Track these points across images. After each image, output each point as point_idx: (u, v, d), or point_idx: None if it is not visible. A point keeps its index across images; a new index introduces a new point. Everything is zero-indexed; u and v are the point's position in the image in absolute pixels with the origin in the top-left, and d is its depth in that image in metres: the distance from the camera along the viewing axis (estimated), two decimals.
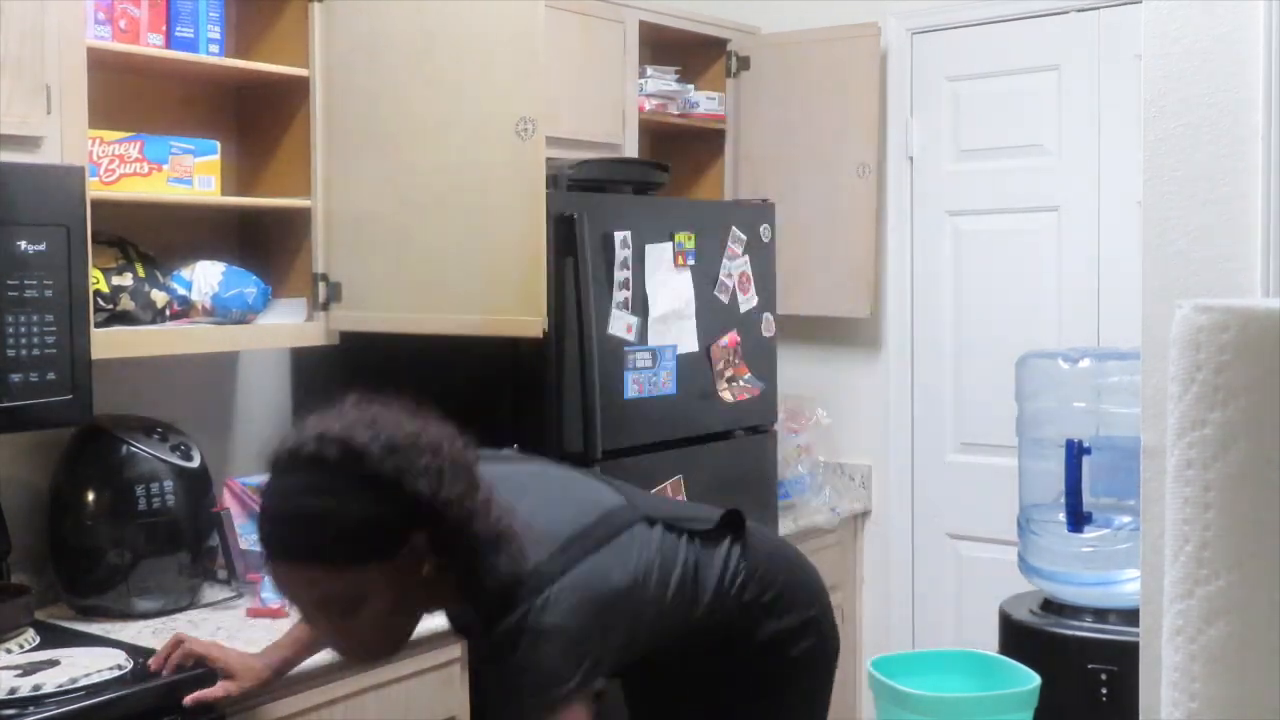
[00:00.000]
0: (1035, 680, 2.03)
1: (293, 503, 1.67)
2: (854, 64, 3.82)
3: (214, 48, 2.71)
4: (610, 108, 3.53)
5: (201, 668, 2.16)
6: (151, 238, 2.72)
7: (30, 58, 2.26)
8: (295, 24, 2.84)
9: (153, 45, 2.61)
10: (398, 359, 3.02)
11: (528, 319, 2.59)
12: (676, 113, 3.83)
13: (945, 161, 3.86)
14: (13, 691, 2.02)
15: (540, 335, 2.61)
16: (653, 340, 3.03)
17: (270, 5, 2.87)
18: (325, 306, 2.86)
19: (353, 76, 2.81)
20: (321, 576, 1.65)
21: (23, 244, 2.22)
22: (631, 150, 3.58)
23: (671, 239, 3.09)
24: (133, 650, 2.26)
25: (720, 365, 3.24)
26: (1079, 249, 3.64)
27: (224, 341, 2.79)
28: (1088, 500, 2.72)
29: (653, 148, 3.89)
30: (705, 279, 3.19)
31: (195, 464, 2.65)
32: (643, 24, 3.62)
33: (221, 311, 2.72)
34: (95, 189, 2.42)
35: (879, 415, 4.00)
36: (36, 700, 2.01)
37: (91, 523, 2.55)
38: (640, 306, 2.99)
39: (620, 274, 2.94)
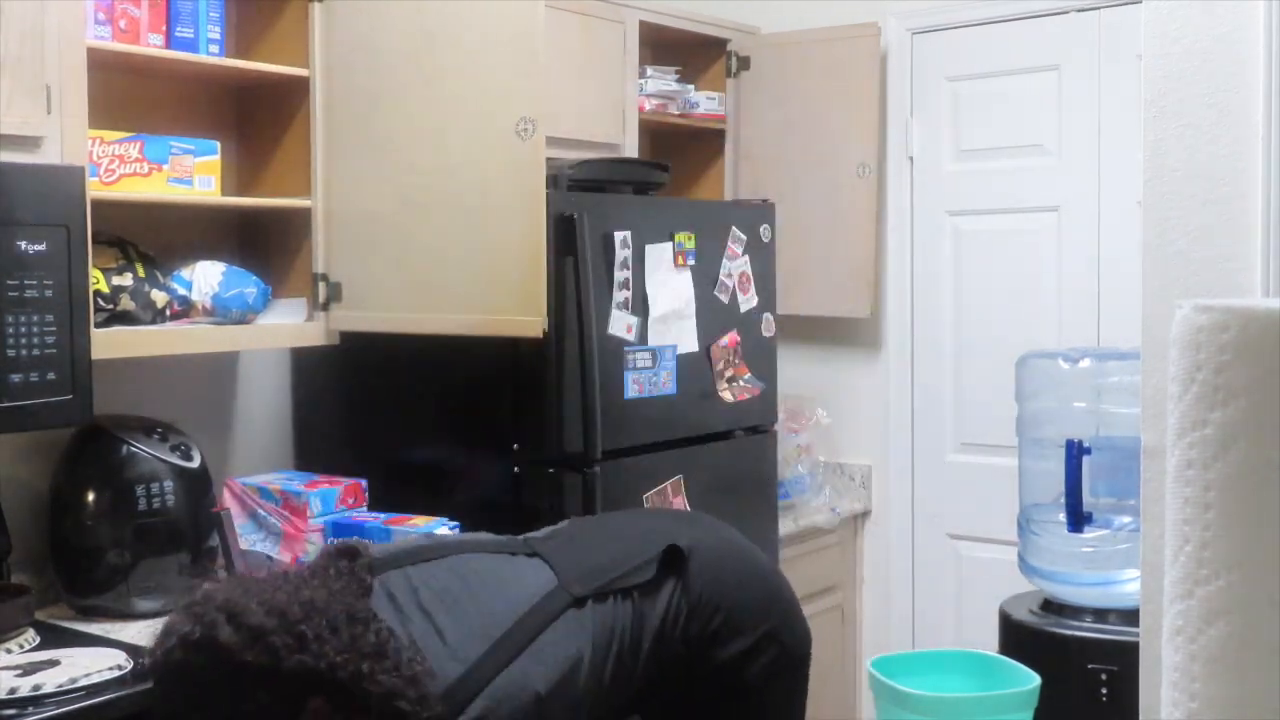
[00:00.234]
0: (1035, 680, 2.03)
1: (183, 717, 1.67)
2: (854, 64, 3.82)
3: (214, 48, 2.71)
4: (610, 108, 3.53)
5: None
6: (151, 238, 2.72)
7: (30, 58, 2.26)
8: (295, 24, 2.84)
9: (153, 45, 2.61)
10: (398, 359, 3.02)
11: (528, 319, 2.59)
12: (676, 113, 3.83)
13: (945, 161, 3.86)
14: (13, 691, 2.02)
15: (540, 335, 2.61)
16: (653, 340, 3.03)
17: (270, 5, 2.87)
18: (325, 306, 2.86)
19: (353, 76, 2.81)
20: None
21: (23, 244, 2.22)
22: (631, 150, 3.58)
23: (671, 239, 3.09)
24: (133, 650, 2.26)
25: (720, 365, 3.24)
26: (1079, 249, 3.64)
27: (224, 341, 2.79)
28: (1088, 500, 2.72)
29: (653, 148, 3.89)
30: (705, 279, 3.19)
31: (195, 464, 2.65)
32: (643, 24, 3.62)
33: (221, 311, 2.72)
34: (95, 189, 2.42)
35: (879, 415, 4.00)
36: (36, 700, 2.01)
37: (91, 523, 2.55)
38: (640, 306, 2.99)
39: (620, 274, 2.94)
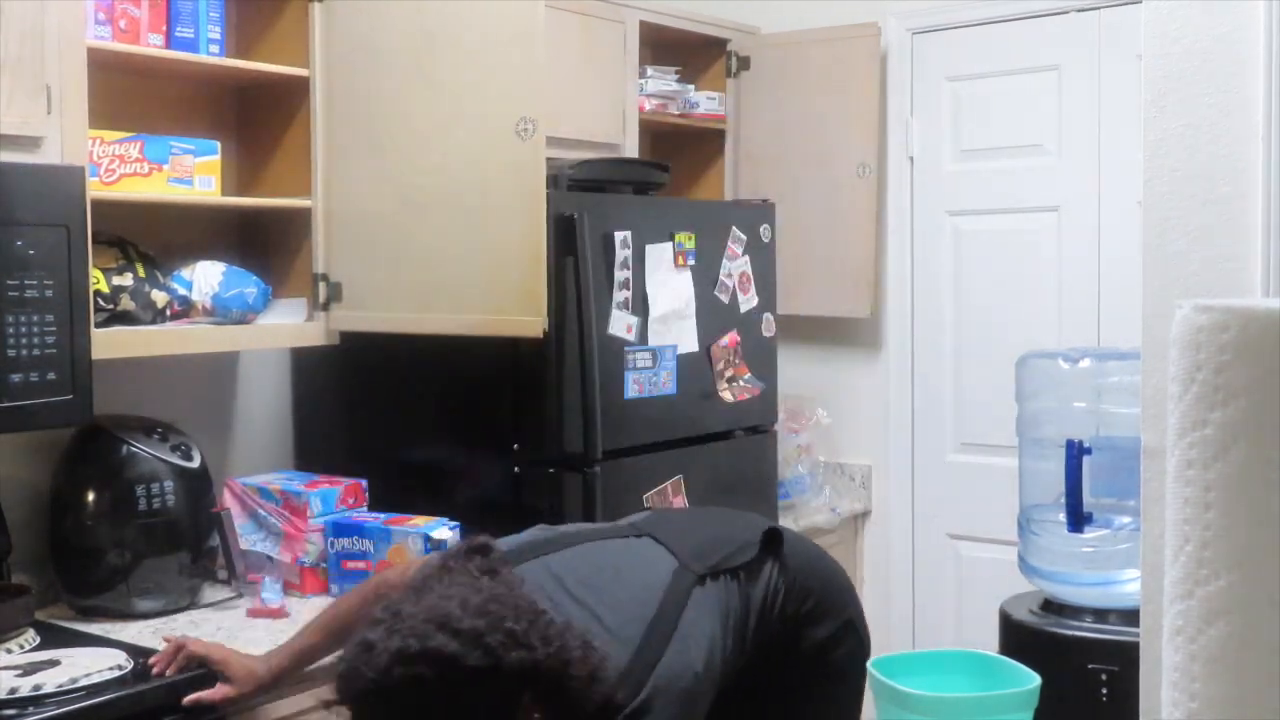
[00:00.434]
0: (1035, 680, 2.03)
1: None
2: (854, 64, 3.82)
3: (214, 48, 2.71)
4: (610, 108, 3.53)
5: (202, 668, 2.16)
6: (151, 238, 2.72)
7: (30, 58, 2.26)
8: (295, 24, 2.84)
9: (153, 45, 2.61)
10: (398, 359, 3.02)
11: (528, 319, 2.59)
12: (677, 113, 3.83)
13: (945, 161, 3.86)
14: (13, 691, 2.02)
15: (540, 335, 2.61)
16: (653, 340, 3.03)
17: (270, 5, 2.87)
18: (325, 306, 2.86)
19: (353, 76, 2.81)
20: None
21: (23, 244, 2.22)
22: (632, 150, 3.58)
23: (672, 239, 3.09)
24: (133, 650, 2.26)
25: (720, 365, 3.24)
26: (1079, 249, 3.64)
27: (224, 342, 2.79)
28: (1088, 500, 2.72)
29: (653, 148, 3.89)
30: (705, 279, 3.19)
31: (195, 464, 2.65)
32: (643, 24, 3.62)
33: (222, 311, 2.72)
34: (95, 189, 2.42)
35: (879, 415, 4.00)
36: (36, 700, 2.01)
37: (92, 523, 2.55)
38: (640, 306, 2.99)
39: (620, 274, 2.94)
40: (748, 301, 3.33)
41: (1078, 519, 2.72)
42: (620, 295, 2.94)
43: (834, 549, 3.89)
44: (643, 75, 3.67)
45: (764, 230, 3.39)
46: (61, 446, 2.60)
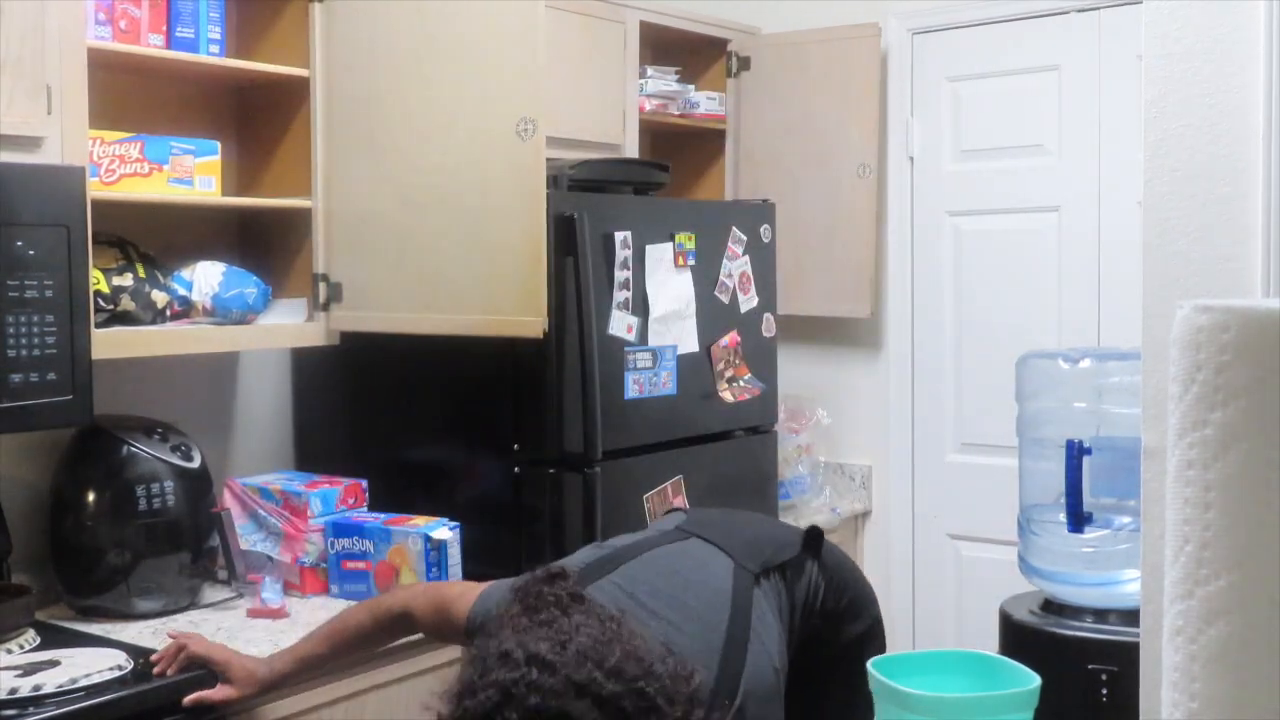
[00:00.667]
0: (1035, 680, 2.03)
1: None
2: (854, 64, 3.82)
3: (214, 48, 2.71)
4: (610, 108, 3.53)
5: (203, 669, 2.16)
6: (152, 238, 2.72)
7: (31, 58, 2.26)
8: (295, 24, 2.84)
9: (153, 45, 2.61)
10: (398, 359, 3.02)
11: (528, 319, 2.59)
12: (677, 113, 3.83)
13: (945, 161, 3.86)
14: (13, 691, 2.02)
15: (540, 335, 2.61)
16: (653, 340, 3.03)
17: (270, 5, 2.87)
18: (325, 307, 2.86)
19: (353, 76, 2.81)
20: None
21: (23, 244, 2.22)
22: (632, 150, 3.58)
23: (672, 239, 3.09)
24: (133, 650, 2.26)
25: (720, 365, 3.24)
26: (1079, 249, 3.64)
27: (224, 342, 2.79)
28: (1088, 500, 2.72)
29: (653, 148, 3.89)
30: (705, 279, 3.19)
31: (195, 464, 2.65)
32: (643, 24, 3.62)
33: (222, 312, 2.72)
34: (95, 189, 2.42)
35: (879, 415, 4.00)
36: (36, 700, 2.01)
37: (92, 523, 2.55)
38: (640, 307, 2.99)
39: (620, 274, 2.94)
40: (748, 301, 3.33)
41: (1078, 519, 2.72)
42: (620, 295, 2.94)
43: None
44: (643, 75, 3.67)
45: (764, 230, 3.39)
46: (61, 446, 2.60)
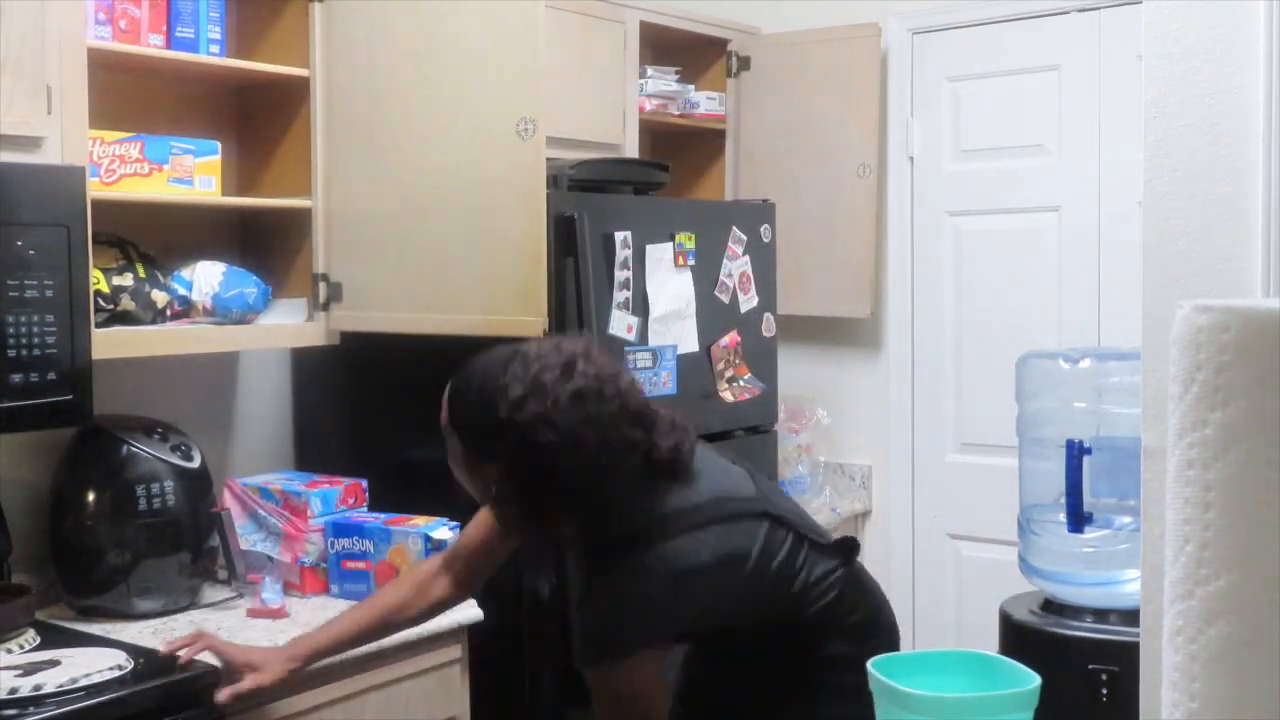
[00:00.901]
0: (1035, 680, 2.03)
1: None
2: (854, 64, 3.82)
3: (214, 48, 2.71)
4: (610, 108, 3.53)
5: (207, 671, 2.17)
6: (152, 238, 2.72)
7: (31, 58, 2.26)
8: (295, 24, 2.84)
9: (153, 45, 2.61)
10: (398, 359, 3.02)
11: (528, 319, 2.59)
12: (677, 113, 3.83)
13: (945, 161, 3.86)
14: (13, 691, 2.02)
15: (540, 335, 2.61)
16: (653, 340, 3.03)
17: (270, 5, 2.87)
18: (325, 306, 2.86)
19: (353, 76, 2.81)
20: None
21: (23, 244, 2.22)
22: (632, 150, 3.58)
23: (672, 239, 3.09)
24: (133, 650, 2.26)
25: (721, 365, 3.24)
26: (1079, 249, 3.64)
27: (224, 342, 2.79)
28: (1088, 500, 2.72)
29: (653, 148, 3.89)
30: (706, 279, 3.19)
31: (195, 464, 2.65)
32: (643, 24, 3.62)
33: (222, 312, 2.72)
34: (96, 189, 2.42)
35: (879, 415, 4.00)
36: (37, 700, 2.01)
37: (92, 523, 2.55)
38: (640, 306, 2.99)
39: (620, 274, 2.94)
40: (748, 301, 3.33)
41: (1078, 519, 2.72)
42: (620, 295, 2.94)
43: None
44: (643, 75, 3.67)
45: (764, 230, 3.39)
46: (61, 446, 2.60)
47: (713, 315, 3.21)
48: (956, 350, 3.87)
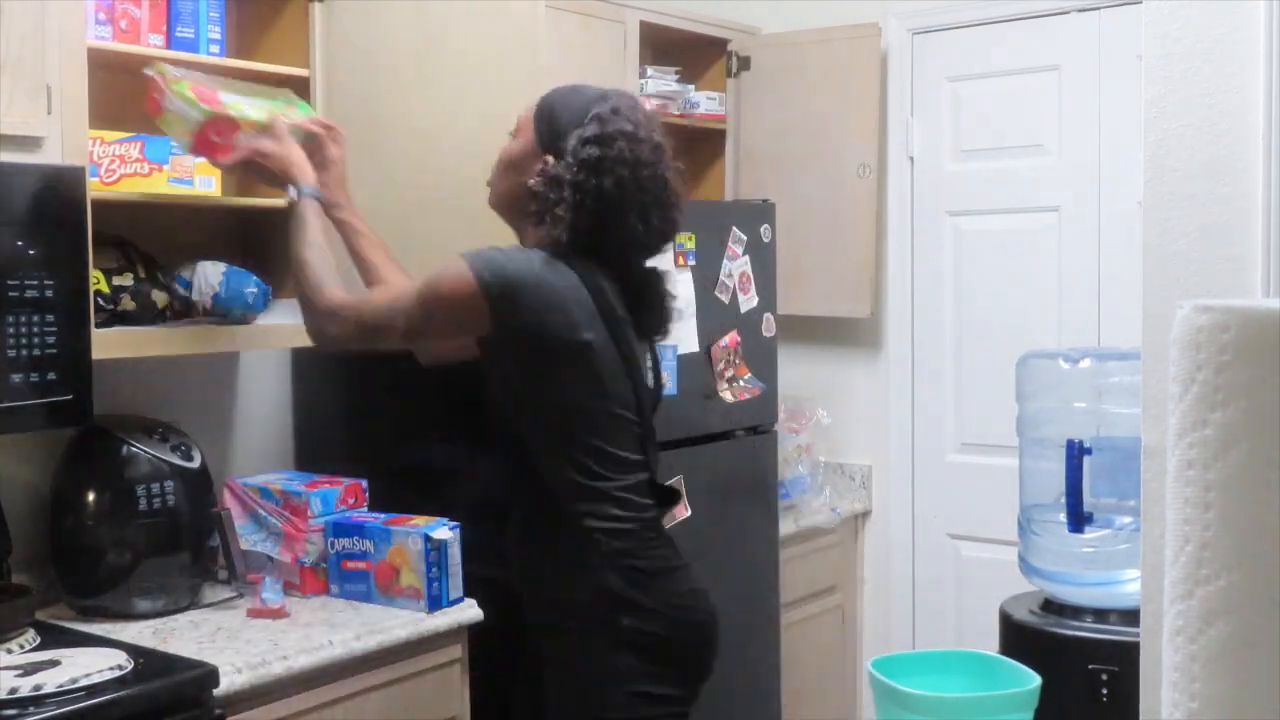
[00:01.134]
0: (1035, 680, 2.04)
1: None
2: (854, 64, 3.82)
3: (214, 48, 2.71)
4: None
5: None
6: (151, 238, 2.71)
7: (31, 58, 2.26)
8: (295, 24, 2.84)
9: (153, 45, 2.61)
10: (398, 359, 3.02)
11: None
12: (677, 113, 3.83)
13: (946, 161, 3.86)
14: (13, 691, 2.02)
15: None
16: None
17: (270, 5, 2.87)
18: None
19: (353, 76, 2.81)
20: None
21: (23, 244, 2.22)
22: None
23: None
24: (133, 650, 2.26)
25: (721, 365, 3.24)
26: (1079, 249, 3.64)
27: (224, 342, 2.78)
28: (1088, 500, 2.72)
29: None
30: (706, 279, 3.19)
31: (195, 464, 2.65)
32: (643, 24, 3.62)
33: (222, 312, 2.72)
34: (96, 189, 2.42)
35: (879, 415, 4.00)
36: (37, 700, 2.01)
37: (92, 523, 2.55)
38: None
39: None
40: (748, 301, 3.33)
41: (1078, 519, 2.72)
42: None
43: (834, 549, 3.92)
44: (643, 75, 3.67)
45: (764, 230, 3.39)
46: (61, 446, 2.60)
47: (713, 315, 3.21)
48: (956, 350, 3.87)
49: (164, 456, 2.59)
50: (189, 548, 2.60)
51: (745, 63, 4.00)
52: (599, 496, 2.17)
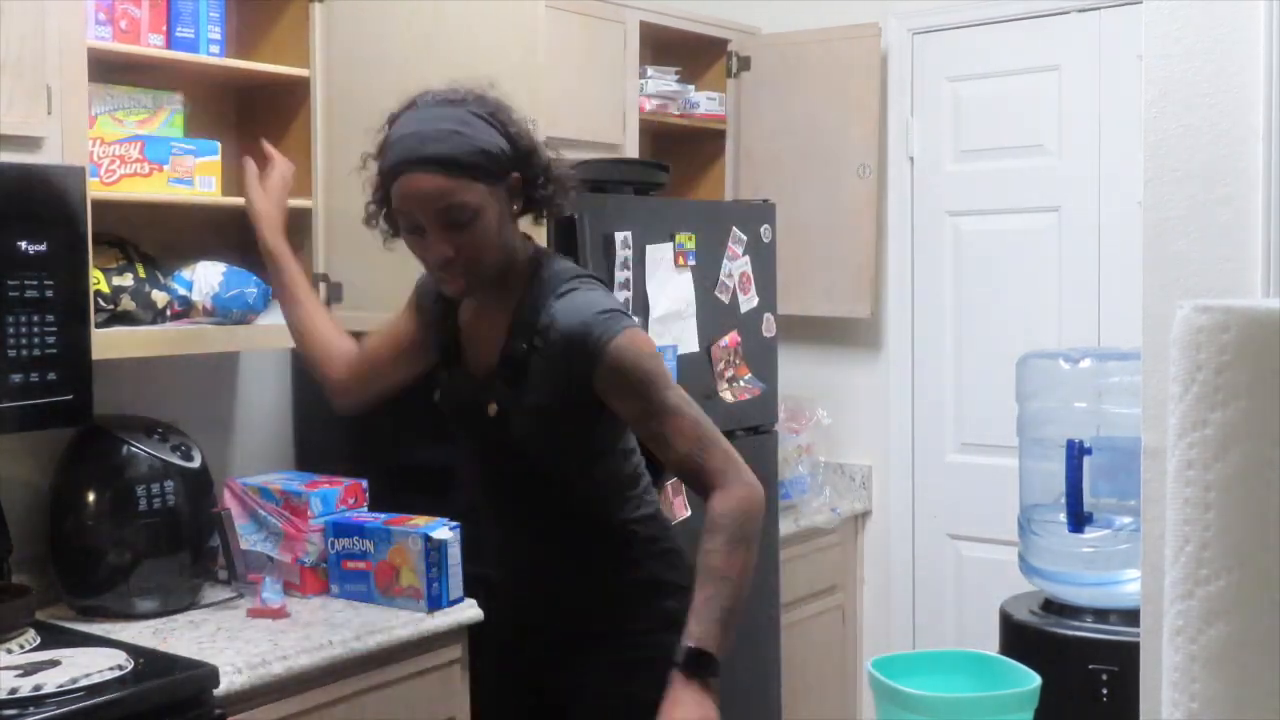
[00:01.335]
0: (1035, 680, 2.03)
1: (438, 124, 2.08)
2: (854, 64, 3.82)
3: (214, 48, 2.71)
4: (611, 108, 3.53)
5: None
6: (152, 238, 2.72)
7: (31, 58, 2.26)
8: (295, 24, 2.85)
9: (153, 45, 2.61)
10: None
11: None
12: (677, 113, 3.83)
13: (946, 162, 3.86)
14: (13, 691, 2.02)
15: None
16: (653, 340, 3.02)
17: (270, 5, 2.87)
18: (326, 306, 2.85)
19: (353, 76, 2.81)
20: (452, 185, 2.02)
21: (23, 244, 2.22)
22: (632, 150, 3.58)
23: (672, 239, 3.09)
24: (133, 650, 2.26)
25: (721, 365, 3.24)
26: (1079, 249, 3.64)
27: (224, 341, 2.79)
28: (1088, 500, 2.72)
29: (653, 148, 3.89)
30: (706, 279, 3.19)
31: (195, 464, 2.65)
32: (643, 24, 3.62)
33: (222, 312, 2.72)
34: (96, 189, 2.42)
35: (879, 415, 4.00)
36: (37, 700, 2.01)
37: (92, 523, 2.55)
38: (641, 307, 2.99)
39: (621, 274, 2.94)
40: (748, 302, 3.33)
41: (1078, 519, 2.72)
42: (620, 295, 2.94)
43: (834, 549, 3.92)
44: (643, 75, 3.67)
45: (764, 230, 3.39)
46: (61, 446, 2.60)
47: (713, 315, 3.21)
48: (956, 350, 3.87)
49: (164, 456, 2.59)
50: (189, 548, 2.60)
51: (745, 63, 4.00)
52: (632, 491, 2.19)
